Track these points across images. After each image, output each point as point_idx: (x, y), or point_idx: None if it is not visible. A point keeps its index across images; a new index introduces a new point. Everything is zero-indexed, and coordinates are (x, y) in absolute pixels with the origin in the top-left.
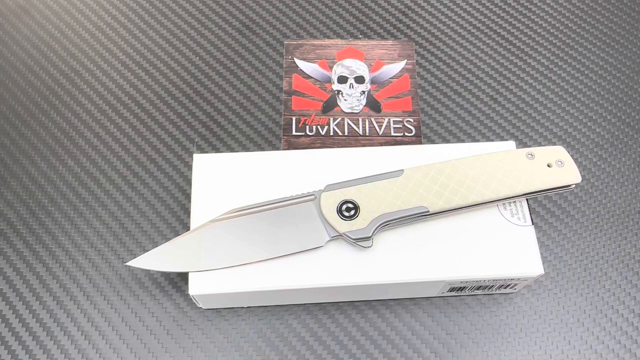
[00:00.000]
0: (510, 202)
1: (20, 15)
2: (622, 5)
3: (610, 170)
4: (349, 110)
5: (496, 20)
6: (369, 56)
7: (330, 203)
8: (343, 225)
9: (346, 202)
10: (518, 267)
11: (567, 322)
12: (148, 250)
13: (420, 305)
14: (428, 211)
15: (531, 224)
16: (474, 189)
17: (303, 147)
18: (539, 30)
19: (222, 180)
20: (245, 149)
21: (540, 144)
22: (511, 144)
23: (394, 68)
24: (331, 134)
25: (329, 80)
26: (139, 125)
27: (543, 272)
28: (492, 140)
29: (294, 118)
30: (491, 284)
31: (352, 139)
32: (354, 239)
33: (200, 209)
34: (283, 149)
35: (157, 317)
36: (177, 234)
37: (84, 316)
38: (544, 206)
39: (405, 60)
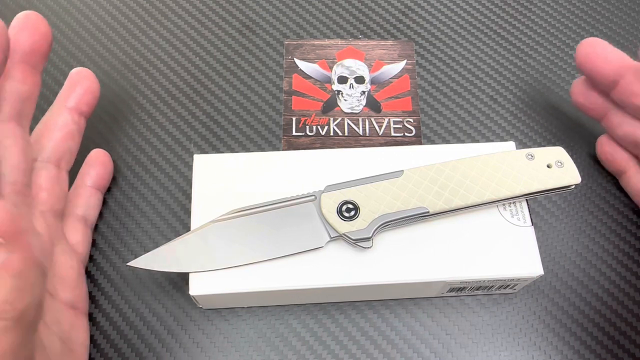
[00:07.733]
0: (510, 203)
1: None
2: (622, 5)
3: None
4: (349, 111)
5: (496, 20)
6: (369, 56)
7: (330, 203)
8: (343, 226)
9: (346, 202)
10: (518, 268)
11: (566, 322)
12: (149, 251)
13: (420, 305)
14: (428, 212)
15: (531, 224)
16: (473, 189)
17: (303, 147)
18: (539, 30)
19: (222, 180)
20: (245, 149)
21: (540, 145)
22: (511, 144)
23: (394, 68)
24: (331, 134)
25: (329, 81)
26: (139, 125)
27: (543, 273)
28: (492, 141)
29: (294, 118)
30: (491, 285)
31: (352, 139)
32: (354, 240)
33: (201, 209)
34: (283, 149)
35: (158, 317)
36: (177, 234)
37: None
38: (543, 207)
39: (405, 61)
